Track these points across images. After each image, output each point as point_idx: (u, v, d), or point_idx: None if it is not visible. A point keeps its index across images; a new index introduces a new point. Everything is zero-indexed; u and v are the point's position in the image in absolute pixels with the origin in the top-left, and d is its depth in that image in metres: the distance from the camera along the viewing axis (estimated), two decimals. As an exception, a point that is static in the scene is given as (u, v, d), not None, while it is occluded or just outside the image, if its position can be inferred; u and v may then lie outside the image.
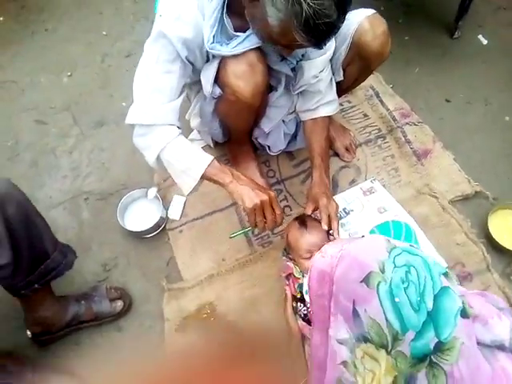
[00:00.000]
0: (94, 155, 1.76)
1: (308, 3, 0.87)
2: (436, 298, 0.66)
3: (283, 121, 1.52)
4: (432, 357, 0.64)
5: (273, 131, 1.51)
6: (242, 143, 1.60)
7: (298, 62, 1.31)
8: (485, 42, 2.02)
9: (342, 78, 1.42)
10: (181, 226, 1.59)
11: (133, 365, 0.31)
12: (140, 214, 1.59)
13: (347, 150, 1.70)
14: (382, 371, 0.66)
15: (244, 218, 1.59)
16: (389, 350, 0.65)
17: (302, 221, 1.23)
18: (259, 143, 1.61)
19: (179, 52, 1.13)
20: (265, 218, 1.17)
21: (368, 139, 1.75)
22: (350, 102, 1.83)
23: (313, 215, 1.29)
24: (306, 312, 1.11)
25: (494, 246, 1.50)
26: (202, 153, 1.21)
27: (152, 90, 1.16)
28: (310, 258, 1.16)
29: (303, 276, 1.16)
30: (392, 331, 0.65)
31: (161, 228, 1.58)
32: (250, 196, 1.15)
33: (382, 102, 1.82)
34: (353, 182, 1.65)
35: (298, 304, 1.14)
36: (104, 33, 2.13)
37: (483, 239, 1.51)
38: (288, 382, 0.32)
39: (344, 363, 0.72)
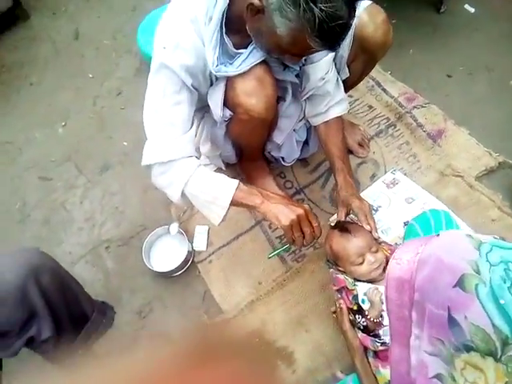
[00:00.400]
0: (106, 201, 1.72)
1: (320, 8, 0.84)
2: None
3: (294, 129, 1.47)
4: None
5: (285, 142, 1.47)
6: (256, 159, 1.55)
7: (301, 67, 1.27)
8: (472, 10, 1.99)
9: (347, 75, 1.38)
10: (209, 256, 1.54)
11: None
12: (166, 252, 1.54)
13: (360, 145, 1.65)
14: (490, 381, 0.61)
15: (271, 235, 1.54)
16: (498, 356, 0.60)
17: (342, 227, 1.18)
18: (272, 156, 1.57)
19: (184, 80, 1.10)
20: (302, 232, 1.13)
21: (379, 130, 1.71)
22: (351, 96, 1.79)
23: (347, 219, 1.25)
24: (365, 323, 1.06)
25: (530, 214, 1.45)
26: (226, 179, 1.17)
27: (164, 125, 1.13)
28: (362, 262, 1.11)
29: (355, 285, 1.10)
30: (501, 336, 0.59)
31: (189, 263, 1.53)
32: (285, 213, 1.11)
33: (384, 90, 1.78)
34: (373, 177, 1.61)
35: (356, 316, 1.09)
36: (90, 75, 2.09)
37: (518, 209, 1.47)
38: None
39: (438, 376, 0.66)
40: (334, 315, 1.28)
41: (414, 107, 1.72)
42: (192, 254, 1.54)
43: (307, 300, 1.39)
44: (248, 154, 1.51)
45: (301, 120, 1.46)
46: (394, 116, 1.73)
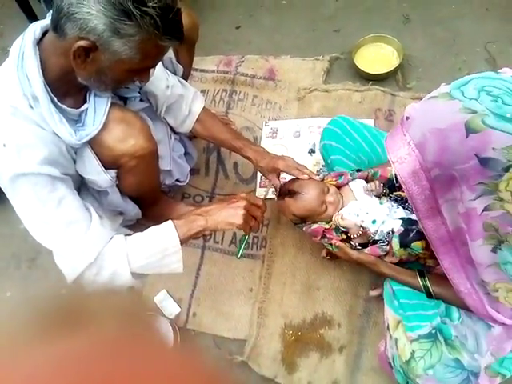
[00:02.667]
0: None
1: (153, 7, 0.83)
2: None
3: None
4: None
5: (172, 164, 1.41)
6: (159, 199, 1.46)
7: (140, 89, 1.22)
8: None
9: (182, 70, 1.37)
10: (188, 310, 1.42)
11: None
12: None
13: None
14: None
15: (223, 247, 1.49)
16: None
17: (289, 191, 1.19)
18: (167, 186, 1.50)
19: (51, 174, 0.97)
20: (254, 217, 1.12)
21: (226, 104, 1.75)
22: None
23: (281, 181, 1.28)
24: (358, 241, 1.13)
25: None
26: (159, 228, 1.08)
27: (64, 229, 0.99)
28: (326, 208, 1.15)
29: (328, 222, 1.15)
30: None
31: (178, 335, 1.38)
32: (233, 214, 1.08)
33: (203, 70, 1.82)
34: (255, 140, 1.66)
35: (351, 243, 1.14)
36: None
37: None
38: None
39: (487, 208, 0.74)
40: (328, 257, 1.33)
41: (236, 66, 1.81)
42: (174, 326, 1.40)
43: (299, 267, 1.41)
44: (150, 198, 1.41)
45: (171, 137, 1.41)
46: (228, 84, 1.79)
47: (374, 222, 1.10)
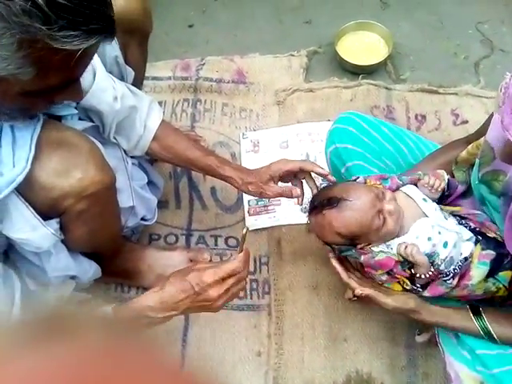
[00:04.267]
0: None
1: None
2: None
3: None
4: None
5: (135, 199, 1.05)
6: (121, 247, 1.10)
7: (78, 104, 0.87)
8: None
9: (133, 73, 1.03)
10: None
11: None
12: None
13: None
14: None
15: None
16: None
17: (325, 199, 0.84)
18: (130, 229, 1.13)
19: None
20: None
21: (191, 117, 1.41)
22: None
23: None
24: (423, 281, 0.81)
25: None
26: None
27: None
28: (385, 219, 0.80)
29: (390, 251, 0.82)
30: None
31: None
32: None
33: (156, 78, 1.47)
34: (234, 155, 1.34)
35: (414, 284, 0.83)
36: None
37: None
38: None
39: None
40: (355, 298, 1.01)
41: (197, 70, 1.48)
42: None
43: (317, 314, 1.09)
44: (110, 249, 1.04)
45: (128, 162, 1.05)
46: (189, 92, 1.45)
47: (445, 245, 0.79)
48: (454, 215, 0.85)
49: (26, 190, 0.71)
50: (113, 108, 0.92)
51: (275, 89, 1.43)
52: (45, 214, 0.77)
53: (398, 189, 0.86)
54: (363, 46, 1.47)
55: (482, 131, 0.86)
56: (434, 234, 0.79)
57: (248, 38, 1.59)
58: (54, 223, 0.79)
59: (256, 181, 0.98)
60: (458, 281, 0.80)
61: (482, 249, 0.79)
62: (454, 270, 0.79)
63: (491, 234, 0.82)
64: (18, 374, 0.19)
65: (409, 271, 0.80)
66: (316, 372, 1.03)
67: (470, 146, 0.85)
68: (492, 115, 0.80)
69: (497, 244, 0.80)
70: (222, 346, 1.08)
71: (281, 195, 0.98)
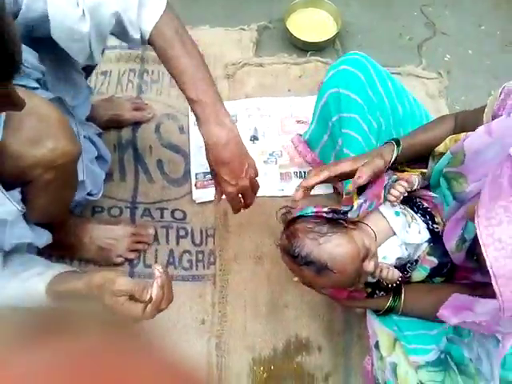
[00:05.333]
0: None
1: None
2: None
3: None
4: None
5: (85, 173, 1.01)
6: (66, 219, 1.08)
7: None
8: None
9: None
10: None
11: None
12: None
13: (136, 109, 1.31)
14: None
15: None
16: None
17: (307, 260, 0.76)
18: (75, 201, 1.11)
19: None
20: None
21: (137, 88, 1.39)
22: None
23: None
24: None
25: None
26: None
27: None
28: (365, 274, 0.79)
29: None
30: None
31: None
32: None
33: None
34: (182, 130, 1.33)
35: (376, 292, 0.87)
36: None
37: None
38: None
39: None
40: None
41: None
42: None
43: (260, 283, 1.13)
44: (61, 218, 1.03)
45: (80, 135, 1.01)
46: (136, 62, 1.42)
47: (409, 255, 0.83)
48: (411, 197, 0.86)
49: None
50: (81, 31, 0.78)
51: (225, 62, 1.42)
52: (8, 184, 0.75)
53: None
54: (313, 22, 1.49)
55: (469, 118, 0.84)
56: (401, 252, 0.81)
57: (199, 9, 1.56)
58: (17, 193, 0.77)
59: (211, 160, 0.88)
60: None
61: (428, 253, 0.82)
62: (409, 268, 0.84)
63: (438, 219, 0.84)
64: (17, 371, 0.19)
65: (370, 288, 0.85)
66: (257, 338, 1.07)
67: (447, 140, 0.83)
68: (483, 111, 0.77)
69: (443, 253, 0.81)
70: (167, 314, 1.10)
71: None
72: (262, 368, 1.05)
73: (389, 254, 0.81)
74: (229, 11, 1.55)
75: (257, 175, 0.90)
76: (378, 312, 0.87)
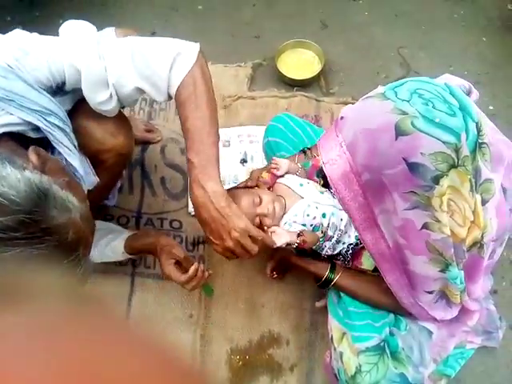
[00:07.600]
0: None
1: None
2: (452, 92, 0.70)
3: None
4: (478, 139, 0.70)
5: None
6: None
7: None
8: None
9: None
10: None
11: None
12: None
13: (148, 131, 1.55)
14: (463, 190, 0.69)
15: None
16: (456, 163, 0.67)
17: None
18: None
19: None
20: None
21: (147, 112, 1.62)
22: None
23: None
24: (329, 248, 1.04)
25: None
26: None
27: None
28: (262, 218, 1.00)
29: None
30: (452, 146, 0.66)
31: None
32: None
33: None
34: (183, 151, 1.55)
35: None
36: None
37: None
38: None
39: (425, 225, 0.72)
40: (275, 275, 1.24)
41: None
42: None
43: (241, 284, 1.32)
44: (102, 199, 1.32)
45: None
46: (147, 93, 1.66)
47: (324, 215, 1.01)
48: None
49: (83, 136, 0.93)
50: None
51: (223, 94, 1.65)
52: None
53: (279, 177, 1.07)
54: (300, 61, 1.71)
55: None
56: (311, 210, 1.00)
57: (203, 47, 1.78)
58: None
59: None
60: (352, 262, 1.05)
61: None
62: (347, 252, 1.03)
63: None
64: None
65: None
66: (236, 331, 1.27)
67: None
68: None
69: None
70: (161, 308, 1.30)
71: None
72: (238, 357, 1.24)
73: (297, 211, 1.00)
74: (229, 49, 1.79)
75: (249, 236, 0.87)
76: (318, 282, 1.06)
